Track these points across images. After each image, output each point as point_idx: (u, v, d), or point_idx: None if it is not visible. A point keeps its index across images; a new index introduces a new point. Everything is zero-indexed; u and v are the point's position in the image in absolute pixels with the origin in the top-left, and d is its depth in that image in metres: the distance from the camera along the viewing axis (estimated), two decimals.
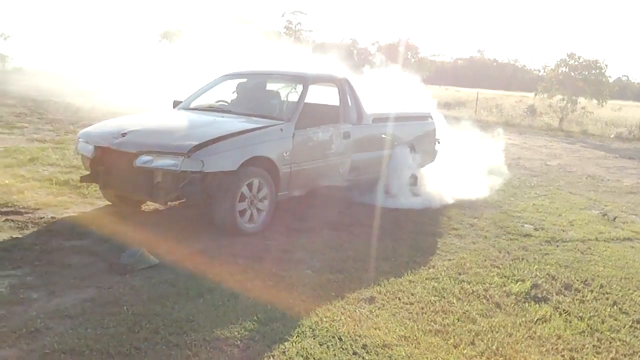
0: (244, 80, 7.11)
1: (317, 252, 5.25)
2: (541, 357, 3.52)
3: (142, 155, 5.19)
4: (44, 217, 5.52)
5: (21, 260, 4.37)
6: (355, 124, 6.91)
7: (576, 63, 25.11)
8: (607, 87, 25.87)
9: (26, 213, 5.62)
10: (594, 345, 3.74)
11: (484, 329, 3.85)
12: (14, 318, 3.45)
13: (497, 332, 3.81)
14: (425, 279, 4.76)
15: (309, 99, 6.58)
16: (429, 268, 5.06)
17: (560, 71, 25.66)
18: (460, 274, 4.96)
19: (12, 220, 5.31)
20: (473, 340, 3.66)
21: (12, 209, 5.68)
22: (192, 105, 6.85)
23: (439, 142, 8.73)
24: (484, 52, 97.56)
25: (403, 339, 3.60)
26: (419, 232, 6.27)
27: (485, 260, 5.43)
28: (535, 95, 27.43)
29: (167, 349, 3.22)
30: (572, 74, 25.04)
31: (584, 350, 3.66)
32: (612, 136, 23.12)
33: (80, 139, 5.85)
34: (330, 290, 4.32)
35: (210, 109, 6.65)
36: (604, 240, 6.60)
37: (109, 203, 6.22)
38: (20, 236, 4.94)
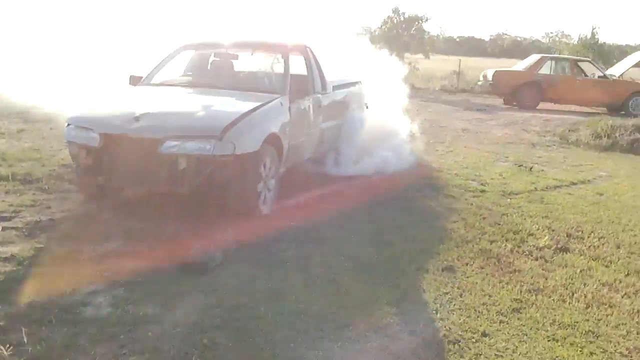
0: (214, 50, 6.59)
1: (343, 229, 5.27)
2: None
3: (168, 141, 4.74)
4: (40, 221, 4.80)
5: (86, 273, 3.86)
6: (322, 93, 6.87)
7: (402, 19, 26.79)
8: (430, 41, 28.18)
9: (11, 218, 4.85)
10: None
11: (562, 283, 4.30)
12: (162, 338, 3.12)
13: (582, 283, 4.28)
14: (464, 242, 5.08)
15: None
16: (453, 231, 5.36)
17: (386, 28, 27.19)
18: (482, 234, 5.34)
19: (12, 228, 4.60)
20: (572, 294, 4.10)
21: None
22: (155, 81, 6.24)
23: (367, 107, 8.95)
24: None
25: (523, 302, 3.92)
26: (398, 198, 6.50)
27: (484, 218, 5.86)
28: None
29: (339, 348, 3.19)
30: (398, 31, 26.70)
31: None
32: (437, 89, 25.14)
33: (71, 125, 5.11)
34: (411, 263, 4.47)
35: (191, 84, 6.20)
36: (542, 190, 7.39)
37: (86, 195, 5.53)
38: (42, 246, 4.31)
